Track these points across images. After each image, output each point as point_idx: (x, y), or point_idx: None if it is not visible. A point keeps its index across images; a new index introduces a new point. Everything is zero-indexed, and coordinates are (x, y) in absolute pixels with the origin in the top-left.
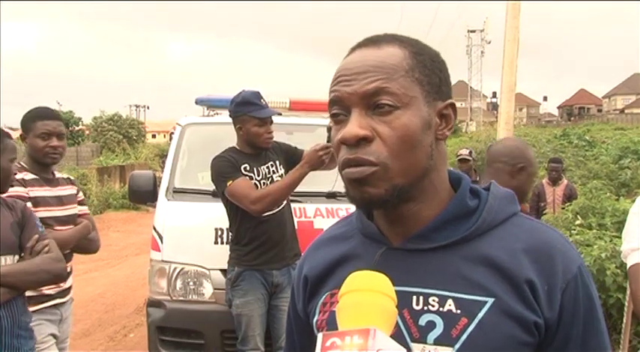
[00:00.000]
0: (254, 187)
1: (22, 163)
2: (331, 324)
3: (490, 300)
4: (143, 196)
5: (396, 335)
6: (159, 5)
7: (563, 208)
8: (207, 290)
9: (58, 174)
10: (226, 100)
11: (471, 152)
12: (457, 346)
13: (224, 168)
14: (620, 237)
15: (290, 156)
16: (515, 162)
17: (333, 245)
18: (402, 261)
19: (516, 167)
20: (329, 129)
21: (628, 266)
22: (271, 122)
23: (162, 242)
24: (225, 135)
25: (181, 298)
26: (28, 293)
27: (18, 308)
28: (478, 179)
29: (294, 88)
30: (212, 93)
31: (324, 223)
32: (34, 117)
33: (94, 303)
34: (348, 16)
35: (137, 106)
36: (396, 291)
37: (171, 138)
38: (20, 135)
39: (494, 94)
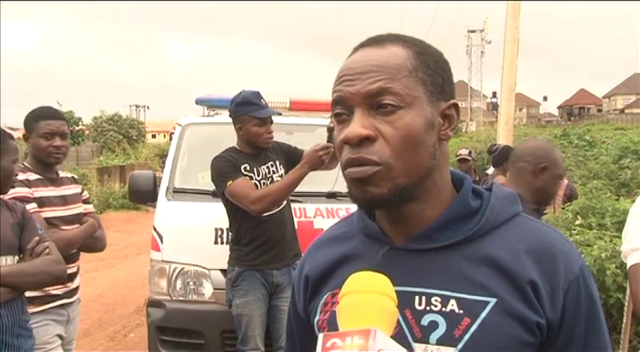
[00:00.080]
0: (254, 187)
1: (25, 163)
2: (333, 324)
3: (493, 300)
4: (143, 196)
5: (399, 335)
6: (159, 5)
7: (563, 208)
8: (208, 290)
9: (62, 174)
10: (226, 100)
11: (470, 152)
12: (460, 346)
13: (224, 168)
14: (620, 237)
15: (290, 156)
16: (538, 162)
17: (334, 245)
18: (404, 261)
19: (539, 167)
20: (329, 129)
21: (628, 267)
22: (271, 122)
23: (162, 242)
24: (225, 135)
25: (181, 298)
26: (35, 294)
27: (18, 307)
28: (478, 179)
29: (294, 87)
30: (212, 93)
31: (324, 223)
32: (37, 117)
33: (94, 303)
34: (348, 16)
35: (137, 106)
36: (399, 291)
37: (171, 138)
38: (23, 135)
39: (494, 94)
